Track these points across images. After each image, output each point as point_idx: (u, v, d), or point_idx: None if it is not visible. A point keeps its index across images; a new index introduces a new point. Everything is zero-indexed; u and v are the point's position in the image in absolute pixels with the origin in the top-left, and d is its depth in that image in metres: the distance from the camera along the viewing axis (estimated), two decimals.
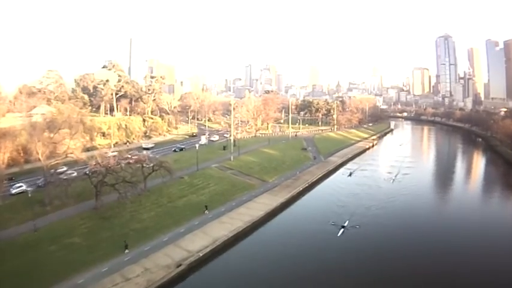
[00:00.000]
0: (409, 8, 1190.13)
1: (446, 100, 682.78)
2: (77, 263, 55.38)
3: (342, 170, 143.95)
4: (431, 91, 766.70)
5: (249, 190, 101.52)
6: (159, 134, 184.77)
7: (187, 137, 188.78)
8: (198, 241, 64.53)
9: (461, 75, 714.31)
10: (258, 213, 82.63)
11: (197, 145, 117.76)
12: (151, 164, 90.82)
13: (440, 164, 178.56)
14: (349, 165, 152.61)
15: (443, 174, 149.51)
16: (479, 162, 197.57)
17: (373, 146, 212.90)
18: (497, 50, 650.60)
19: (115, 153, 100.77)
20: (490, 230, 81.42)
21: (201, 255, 59.40)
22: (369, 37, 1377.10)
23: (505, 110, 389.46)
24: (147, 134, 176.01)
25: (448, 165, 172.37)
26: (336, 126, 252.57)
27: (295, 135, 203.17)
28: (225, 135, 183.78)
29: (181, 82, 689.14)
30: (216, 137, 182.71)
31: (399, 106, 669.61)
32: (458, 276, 58.57)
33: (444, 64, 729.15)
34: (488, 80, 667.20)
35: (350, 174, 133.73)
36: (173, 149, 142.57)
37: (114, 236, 64.01)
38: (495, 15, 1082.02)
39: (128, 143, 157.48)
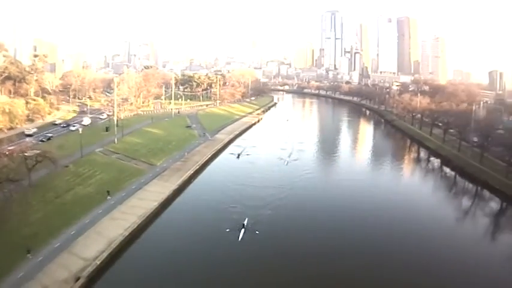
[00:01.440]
0: None
1: (331, 73, 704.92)
2: None
3: (230, 148, 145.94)
4: (315, 64, 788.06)
5: (138, 176, 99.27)
6: (41, 116, 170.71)
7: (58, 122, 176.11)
8: (93, 245, 61.61)
9: (348, 49, 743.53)
10: (151, 204, 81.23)
11: (80, 128, 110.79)
12: (35, 154, 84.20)
13: (338, 141, 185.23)
14: (237, 143, 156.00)
15: (346, 153, 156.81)
16: (380, 137, 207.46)
17: (258, 121, 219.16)
18: (389, 25, 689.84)
19: None
20: (402, 215, 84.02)
21: (98, 263, 56.40)
22: (247, 10, 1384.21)
23: (398, 84, 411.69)
24: (30, 117, 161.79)
25: (348, 143, 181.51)
26: (218, 102, 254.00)
27: (178, 112, 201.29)
28: (106, 114, 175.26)
29: (63, 60, 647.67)
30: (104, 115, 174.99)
31: (280, 79, 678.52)
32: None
33: (329, 38, 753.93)
34: (378, 55, 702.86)
35: (238, 156, 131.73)
36: (40, 139, 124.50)
37: (4, 248, 58.37)
38: None
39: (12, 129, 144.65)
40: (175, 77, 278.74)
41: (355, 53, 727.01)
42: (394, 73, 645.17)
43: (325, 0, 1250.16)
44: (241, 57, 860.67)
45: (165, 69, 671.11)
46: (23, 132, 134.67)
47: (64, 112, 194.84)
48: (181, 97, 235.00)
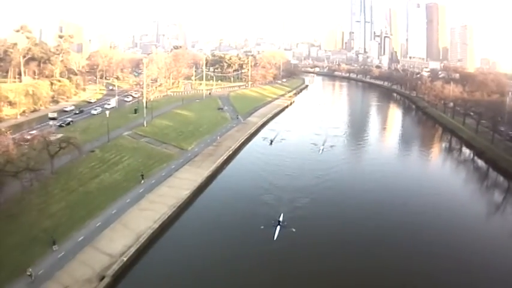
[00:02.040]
0: None
1: (360, 57, 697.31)
2: None
3: (263, 132, 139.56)
4: (344, 47, 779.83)
5: (168, 162, 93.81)
6: (67, 97, 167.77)
7: (93, 100, 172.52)
8: (119, 239, 56.04)
9: (377, 33, 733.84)
10: (182, 193, 75.45)
11: (107, 111, 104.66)
12: (58, 140, 79.22)
13: (372, 127, 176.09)
14: (270, 126, 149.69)
15: (380, 141, 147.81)
16: (413, 124, 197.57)
17: (291, 104, 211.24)
18: (418, 10, 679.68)
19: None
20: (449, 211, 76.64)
21: (125, 259, 50.86)
22: None
23: (428, 70, 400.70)
24: (55, 99, 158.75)
25: (382, 130, 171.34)
26: (250, 83, 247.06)
27: (209, 93, 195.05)
28: (135, 94, 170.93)
29: (90, 40, 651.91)
30: (129, 98, 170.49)
31: (310, 61, 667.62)
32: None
33: (359, 21, 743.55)
34: (407, 40, 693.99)
35: (271, 142, 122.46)
36: (59, 123, 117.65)
37: (24, 241, 53.29)
38: None
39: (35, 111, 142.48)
40: (205, 58, 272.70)
41: (385, 37, 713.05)
42: (423, 59, 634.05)
43: None
44: (271, 39, 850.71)
45: (194, 49, 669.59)
46: (46, 115, 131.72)
47: (90, 93, 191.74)
48: (212, 78, 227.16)
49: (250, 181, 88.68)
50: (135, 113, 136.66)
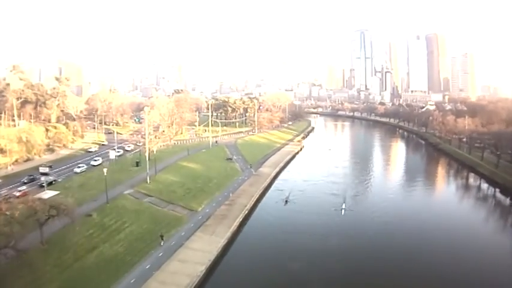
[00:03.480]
0: (318, 3, 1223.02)
1: (362, 94, 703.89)
2: None
3: (277, 183, 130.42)
4: (345, 85, 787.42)
5: (177, 227, 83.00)
6: (64, 145, 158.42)
7: (92, 149, 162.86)
8: None
9: (378, 68, 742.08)
10: (197, 269, 64.55)
11: (105, 169, 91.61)
12: (47, 205, 67.94)
13: (389, 173, 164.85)
14: (283, 176, 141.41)
15: (403, 188, 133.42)
16: (429, 164, 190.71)
17: (301, 149, 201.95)
18: (419, 43, 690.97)
19: None
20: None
21: None
22: (277, 32, 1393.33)
23: (432, 103, 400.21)
24: (51, 147, 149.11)
25: (401, 176, 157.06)
26: (256, 128, 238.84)
27: (216, 141, 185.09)
28: (127, 148, 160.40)
29: (89, 83, 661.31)
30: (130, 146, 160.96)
31: (312, 101, 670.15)
32: None
33: (359, 58, 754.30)
34: (408, 73, 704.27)
35: (286, 202, 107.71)
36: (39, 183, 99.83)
37: None
38: (412, 10, 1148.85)
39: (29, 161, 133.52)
40: (208, 102, 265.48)
41: (386, 72, 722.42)
42: (424, 92, 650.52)
43: (353, 19, 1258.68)
44: (272, 79, 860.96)
45: (194, 92, 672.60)
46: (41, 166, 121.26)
47: (88, 140, 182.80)
48: (217, 124, 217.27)
49: (270, 249, 77.74)
50: (137, 165, 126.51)
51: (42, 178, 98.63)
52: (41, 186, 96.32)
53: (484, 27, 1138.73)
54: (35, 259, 60.58)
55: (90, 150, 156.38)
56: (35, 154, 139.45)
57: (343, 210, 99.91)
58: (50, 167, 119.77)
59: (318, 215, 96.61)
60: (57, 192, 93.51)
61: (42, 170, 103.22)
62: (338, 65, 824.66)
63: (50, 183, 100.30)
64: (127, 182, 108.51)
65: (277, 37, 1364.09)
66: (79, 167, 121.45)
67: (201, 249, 72.75)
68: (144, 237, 75.57)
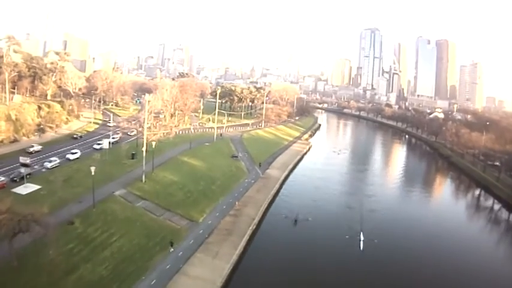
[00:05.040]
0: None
1: (368, 93, 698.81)
2: None
3: (284, 194, 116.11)
4: (351, 83, 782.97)
5: (174, 243, 70.34)
6: (56, 126, 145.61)
7: (86, 131, 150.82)
8: None
9: (386, 69, 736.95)
10: None
11: (92, 168, 76.55)
12: (15, 221, 54.75)
13: (405, 186, 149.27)
14: (291, 184, 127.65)
15: (427, 210, 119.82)
16: (447, 181, 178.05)
17: (309, 149, 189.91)
18: (429, 48, 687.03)
19: None
20: None
21: None
22: (286, 23, 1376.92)
23: (440, 111, 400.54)
24: (42, 127, 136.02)
25: (418, 190, 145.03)
26: (263, 122, 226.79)
27: (221, 135, 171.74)
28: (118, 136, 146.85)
29: (93, 58, 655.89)
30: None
31: (317, 96, 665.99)
32: None
33: (368, 56, 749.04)
34: (415, 77, 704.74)
35: (295, 222, 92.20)
36: (11, 177, 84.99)
37: None
38: (424, 14, 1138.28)
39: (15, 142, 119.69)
40: (213, 88, 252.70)
41: (394, 73, 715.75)
42: (431, 97, 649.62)
43: (363, 17, 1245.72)
44: (277, 70, 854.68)
45: (199, 76, 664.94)
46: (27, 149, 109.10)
47: (84, 121, 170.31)
48: (222, 114, 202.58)
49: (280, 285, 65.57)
50: (133, 158, 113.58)
51: (22, 170, 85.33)
52: (13, 180, 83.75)
53: (492, 37, 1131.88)
54: (6, 281, 50.64)
55: (75, 136, 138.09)
56: (23, 135, 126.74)
57: (361, 243, 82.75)
58: (32, 153, 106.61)
59: (333, 248, 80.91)
60: (38, 187, 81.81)
61: (22, 160, 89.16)
62: (346, 62, 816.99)
63: (22, 178, 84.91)
64: (119, 178, 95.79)
65: (285, 27, 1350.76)
66: (72, 153, 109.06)
67: (201, 278, 60.90)
68: (134, 257, 63.40)
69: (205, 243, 72.58)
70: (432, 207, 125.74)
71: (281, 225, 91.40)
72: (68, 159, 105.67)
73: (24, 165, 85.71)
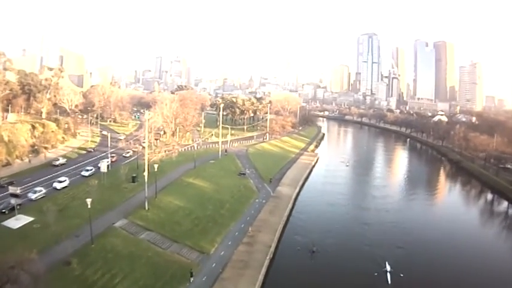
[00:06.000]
0: (325, 5, 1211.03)
1: (368, 99, 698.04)
2: None
3: (297, 215, 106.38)
4: (351, 89, 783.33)
5: (185, 283, 62.19)
6: (52, 146, 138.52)
7: (83, 152, 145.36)
8: None
9: (385, 74, 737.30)
10: None
11: (88, 200, 68.58)
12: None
13: (422, 198, 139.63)
14: (303, 202, 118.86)
15: (452, 228, 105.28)
16: (465, 189, 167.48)
17: (317, 161, 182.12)
18: (427, 50, 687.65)
19: None
20: None
21: None
22: (282, 31, 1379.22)
23: (442, 113, 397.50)
24: (36, 148, 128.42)
25: (438, 204, 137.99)
26: (267, 134, 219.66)
27: (225, 151, 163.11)
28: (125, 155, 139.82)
29: (91, 73, 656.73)
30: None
31: (317, 104, 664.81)
32: None
33: (366, 62, 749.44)
34: (415, 80, 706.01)
35: (313, 253, 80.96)
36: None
37: None
38: (421, 16, 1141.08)
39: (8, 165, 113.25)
40: (213, 100, 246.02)
41: (393, 78, 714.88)
42: (431, 100, 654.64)
43: (361, 22, 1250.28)
44: (276, 79, 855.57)
45: (197, 87, 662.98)
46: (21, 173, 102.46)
47: (81, 140, 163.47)
48: (225, 128, 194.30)
49: None
50: (134, 181, 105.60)
51: (12, 201, 77.28)
52: (2, 212, 76.44)
53: (490, 37, 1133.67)
54: None
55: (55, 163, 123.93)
56: (16, 157, 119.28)
57: (388, 275, 71.87)
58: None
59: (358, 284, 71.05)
60: (30, 219, 74.38)
61: (12, 190, 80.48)
62: (344, 68, 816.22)
63: (12, 209, 77.39)
64: (119, 206, 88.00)
65: (282, 36, 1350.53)
66: (60, 181, 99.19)
67: None
68: None
69: (219, 280, 64.53)
70: (456, 223, 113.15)
71: (297, 256, 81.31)
72: (55, 189, 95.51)
73: (14, 195, 77.61)
